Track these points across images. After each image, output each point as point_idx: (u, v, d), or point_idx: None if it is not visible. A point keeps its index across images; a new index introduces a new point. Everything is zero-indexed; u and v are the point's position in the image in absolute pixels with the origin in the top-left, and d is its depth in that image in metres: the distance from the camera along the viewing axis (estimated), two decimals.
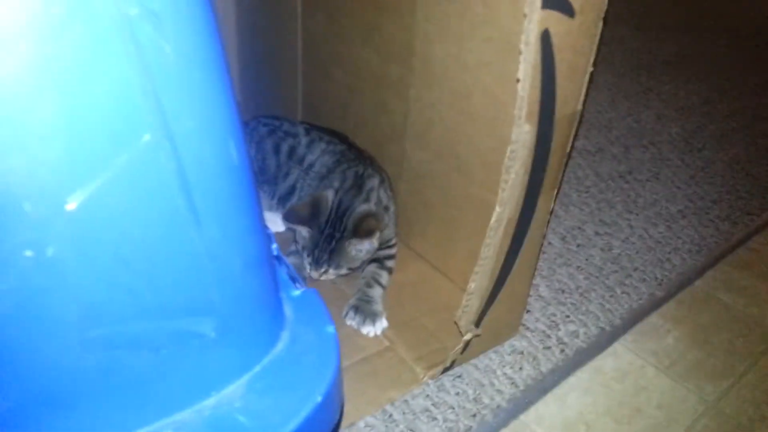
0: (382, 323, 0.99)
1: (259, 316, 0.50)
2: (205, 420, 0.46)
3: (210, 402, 0.47)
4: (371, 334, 0.98)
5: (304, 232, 1.02)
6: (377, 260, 1.09)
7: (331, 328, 0.53)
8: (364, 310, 0.99)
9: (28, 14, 0.32)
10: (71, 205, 0.35)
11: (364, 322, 0.98)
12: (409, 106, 1.07)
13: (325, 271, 1.03)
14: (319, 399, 0.48)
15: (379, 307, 1.01)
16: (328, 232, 1.01)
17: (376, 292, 1.03)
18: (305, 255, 1.03)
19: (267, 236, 0.51)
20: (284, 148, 1.18)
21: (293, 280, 0.57)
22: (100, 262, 0.39)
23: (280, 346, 0.51)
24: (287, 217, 1.01)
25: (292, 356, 0.51)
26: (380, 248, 1.09)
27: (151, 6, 0.34)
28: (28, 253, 0.36)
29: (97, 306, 0.40)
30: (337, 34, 1.18)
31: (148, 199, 0.39)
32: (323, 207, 1.02)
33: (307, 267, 1.04)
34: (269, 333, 0.51)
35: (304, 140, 1.19)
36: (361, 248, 1.02)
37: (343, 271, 1.04)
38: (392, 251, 1.12)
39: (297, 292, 0.57)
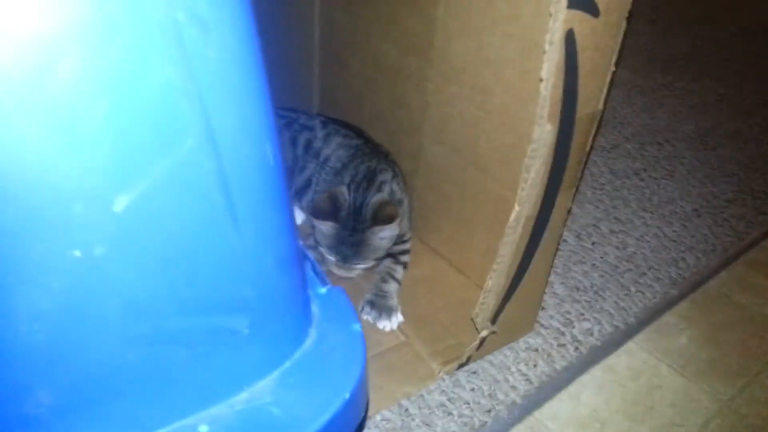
0: (398, 318, 1.00)
1: (289, 314, 0.51)
2: (238, 414, 0.47)
3: (242, 396, 0.48)
4: (387, 329, 0.99)
5: (327, 228, 1.02)
6: (392, 255, 1.09)
7: (357, 327, 0.54)
8: (380, 305, 1.00)
9: (80, 21, 0.32)
10: (118, 207, 0.36)
11: (380, 316, 0.99)
12: (427, 99, 1.07)
13: (355, 264, 1.03)
14: (347, 396, 0.49)
15: (394, 302, 1.02)
16: (350, 226, 1.01)
17: (392, 287, 1.04)
18: (330, 253, 1.03)
19: (297, 234, 0.52)
20: (301, 141, 1.19)
21: (318, 276, 0.58)
22: (143, 261, 0.39)
23: (308, 343, 0.52)
24: (315, 214, 1.01)
25: (320, 353, 0.52)
26: (394, 243, 1.09)
27: (198, 11, 0.34)
28: (77, 253, 0.37)
29: (140, 303, 0.40)
30: (355, 24, 1.17)
31: (190, 199, 0.39)
32: (341, 201, 1.02)
33: (333, 265, 1.05)
34: (298, 330, 0.52)
35: (320, 133, 1.19)
36: (384, 236, 1.02)
37: (370, 263, 1.05)
38: (406, 246, 1.12)
39: (323, 290, 0.57)
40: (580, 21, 0.71)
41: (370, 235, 1.01)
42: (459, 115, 1.01)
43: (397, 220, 1.01)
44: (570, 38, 0.72)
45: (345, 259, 1.02)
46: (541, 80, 0.73)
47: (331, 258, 1.04)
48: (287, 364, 0.50)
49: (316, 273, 0.59)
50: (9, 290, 0.37)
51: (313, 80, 1.35)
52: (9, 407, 0.40)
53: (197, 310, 0.43)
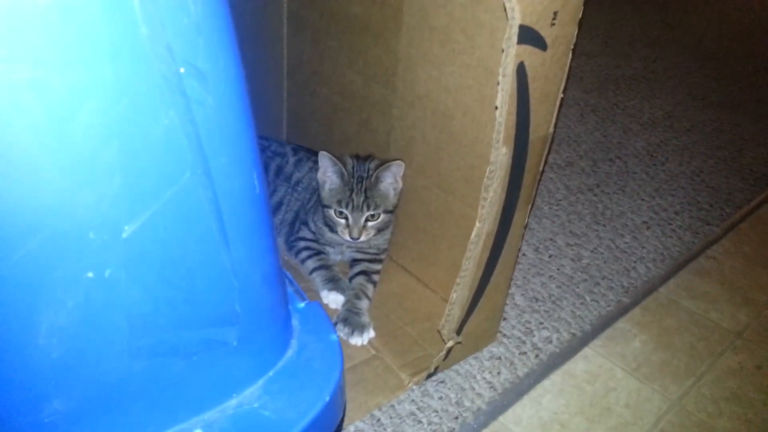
0: (370, 333, 1.05)
1: (272, 326, 0.56)
2: (230, 417, 0.52)
3: (232, 402, 0.53)
4: (359, 344, 1.04)
5: (337, 179, 1.10)
6: (365, 273, 1.14)
7: (334, 336, 0.59)
8: (353, 322, 1.05)
9: (97, 76, 0.37)
10: (126, 233, 0.41)
11: (352, 333, 1.03)
12: (392, 124, 1.13)
13: (368, 212, 1.09)
14: (327, 398, 0.54)
15: (366, 318, 1.07)
16: (358, 175, 1.09)
17: (364, 303, 1.09)
18: (341, 206, 1.09)
19: (279, 254, 0.57)
20: (272, 167, 1.24)
21: (297, 293, 0.63)
22: (148, 281, 0.44)
23: (290, 352, 0.57)
24: (326, 158, 1.08)
25: (301, 361, 0.57)
26: (371, 260, 1.15)
27: (198, 64, 0.39)
28: (90, 274, 0.41)
29: (144, 319, 0.45)
30: (322, 55, 1.24)
31: (188, 225, 0.44)
32: (347, 160, 1.11)
33: (344, 230, 1.11)
34: (281, 341, 0.57)
35: (292, 159, 1.24)
36: (390, 180, 1.10)
37: (380, 211, 1.11)
38: (380, 266, 1.18)
39: (302, 305, 0.62)
40: (530, 54, 0.78)
41: (377, 181, 1.09)
42: (422, 138, 1.08)
43: (402, 166, 1.09)
44: (521, 70, 0.79)
45: (359, 208, 1.09)
46: (496, 108, 0.80)
47: (341, 219, 1.10)
48: (271, 372, 0.55)
49: (295, 290, 0.64)
50: (31, 309, 0.41)
51: (282, 108, 1.41)
52: (28, 415, 0.44)
53: (193, 324, 0.48)
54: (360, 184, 1.09)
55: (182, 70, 0.39)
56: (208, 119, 0.42)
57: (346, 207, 1.09)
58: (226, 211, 0.45)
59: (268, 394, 0.54)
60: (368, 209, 1.09)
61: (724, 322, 1.23)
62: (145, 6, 0.36)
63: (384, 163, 1.08)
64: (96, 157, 0.38)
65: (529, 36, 0.77)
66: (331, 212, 1.11)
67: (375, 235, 1.13)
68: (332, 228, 1.14)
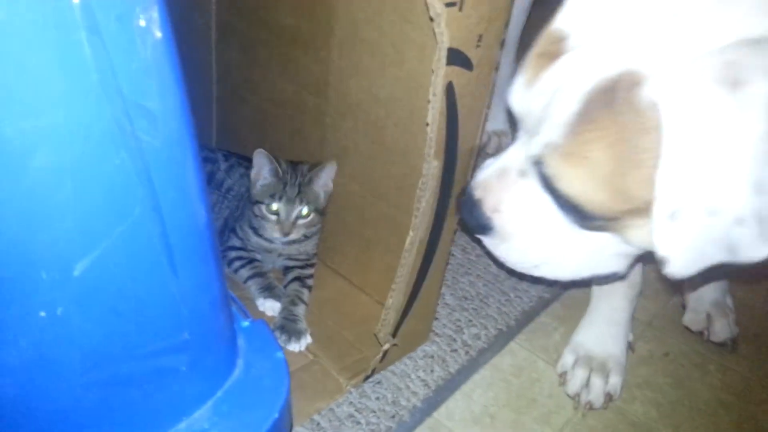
0: (307, 339, 1.07)
1: (220, 349, 0.57)
2: None
3: (182, 425, 0.54)
4: (296, 350, 1.06)
5: (270, 177, 1.11)
6: (299, 279, 1.16)
7: (280, 354, 0.62)
8: (290, 329, 1.06)
9: (50, 122, 0.37)
10: (78, 271, 0.41)
11: (290, 340, 1.05)
12: (325, 133, 1.15)
13: (299, 206, 1.11)
14: (276, 415, 0.56)
15: (303, 324, 1.09)
16: (291, 173, 1.11)
17: (301, 309, 1.11)
18: (273, 201, 1.10)
19: (224, 277, 0.58)
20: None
21: (241, 311, 0.65)
22: (99, 316, 0.45)
23: (237, 372, 0.59)
24: (263, 155, 1.09)
25: (248, 380, 0.58)
26: (303, 266, 1.17)
27: (147, 105, 0.40)
28: (42, 313, 0.41)
29: (96, 352, 0.46)
30: (252, 62, 1.24)
31: (137, 258, 0.45)
32: (281, 161, 1.13)
33: (274, 227, 1.11)
34: (228, 362, 0.59)
35: (223, 166, 1.24)
36: (324, 181, 1.13)
37: (311, 210, 1.13)
38: (312, 270, 1.20)
39: (246, 323, 0.64)
40: (458, 75, 0.83)
41: (310, 180, 1.11)
42: (355, 147, 1.11)
43: (334, 167, 1.11)
44: (450, 89, 0.83)
45: (290, 201, 1.10)
46: (427, 124, 0.84)
47: (272, 216, 1.10)
48: (220, 393, 0.57)
49: (238, 308, 0.65)
50: None
51: (211, 115, 1.40)
52: None
53: (144, 354, 0.49)
54: (294, 179, 1.11)
55: (133, 112, 0.40)
56: (158, 156, 0.43)
57: (279, 200, 1.10)
58: (174, 243, 0.46)
59: (218, 415, 0.55)
60: (300, 203, 1.11)
61: (635, 313, 1.34)
62: (96, 53, 0.37)
63: (318, 164, 1.10)
64: (49, 199, 0.39)
65: (456, 57, 0.81)
66: (262, 208, 1.11)
67: (303, 240, 1.15)
68: (257, 230, 1.15)
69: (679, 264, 0.62)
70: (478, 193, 0.82)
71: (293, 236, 1.12)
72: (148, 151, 0.41)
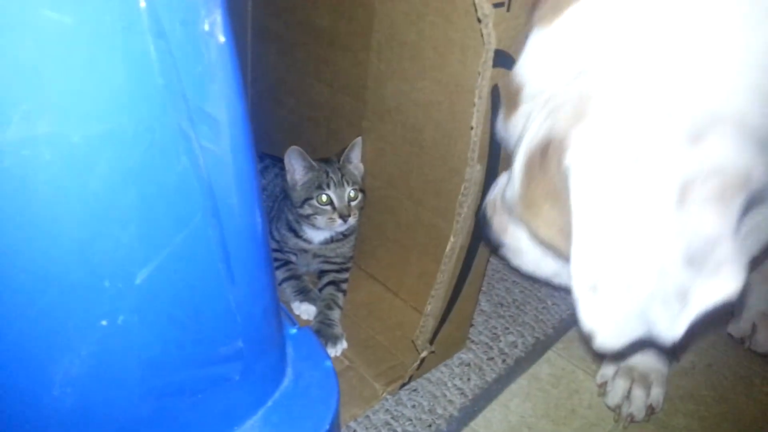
0: (343, 344, 1.06)
1: (272, 357, 0.56)
2: None
3: None
4: (333, 355, 1.05)
5: (307, 172, 1.11)
6: (334, 283, 1.15)
7: (328, 363, 0.60)
8: (326, 333, 1.05)
9: (116, 128, 0.37)
10: (139, 279, 0.41)
11: (326, 345, 1.04)
12: (362, 136, 1.14)
13: (349, 187, 1.10)
14: (327, 427, 0.55)
15: (339, 329, 1.08)
16: (325, 163, 1.11)
17: (336, 314, 1.10)
18: (327, 189, 1.09)
19: (276, 283, 0.58)
20: None
21: (288, 318, 0.64)
22: (157, 324, 0.44)
23: (287, 381, 0.58)
24: (297, 152, 1.09)
25: (298, 390, 0.57)
26: (339, 270, 1.16)
27: (210, 110, 0.39)
28: (104, 322, 0.41)
29: (154, 361, 0.45)
30: (288, 64, 1.23)
31: (197, 265, 0.44)
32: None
33: (325, 218, 1.10)
34: (279, 370, 0.58)
35: (258, 166, 1.23)
36: (356, 160, 1.13)
37: (358, 188, 1.12)
38: (347, 275, 1.19)
39: (294, 330, 0.63)
40: (503, 77, 0.81)
41: (345, 163, 1.11)
42: (392, 150, 1.09)
43: (358, 138, 1.11)
44: (495, 91, 0.81)
45: (339, 184, 1.09)
46: (471, 128, 0.83)
47: (326, 206, 1.09)
48: (270, 402, 0.56)
49: (285, 314, 0.64)
50: (46, 360, 0.40)
51: None
52: None
53: (200, 363, 0.48)
54: (331, 166, 1.11)
55: (195, 117, 0.39)
56: (218, 162, 0.42)
57: (329, 187, 1.09)
58: (232, 250, 0.46)
59: (269, 425, 0.54)
60: (347, 185, 1.10)
61: None
62: (161, 57, 0.36)
63: (344, 148, 1.11)
64: (113, 205, 0.38)
65: (502, 59, 0.79)
66: (313, 202, 1.10)
67: (341, 239, 1.14)
68: (297, 232, 1.14)
69: (606, 336, 0.58)
70: (489, 212, 0.85)
71: (352, 221, 1.11)
72: (208, 156, 0.41)
